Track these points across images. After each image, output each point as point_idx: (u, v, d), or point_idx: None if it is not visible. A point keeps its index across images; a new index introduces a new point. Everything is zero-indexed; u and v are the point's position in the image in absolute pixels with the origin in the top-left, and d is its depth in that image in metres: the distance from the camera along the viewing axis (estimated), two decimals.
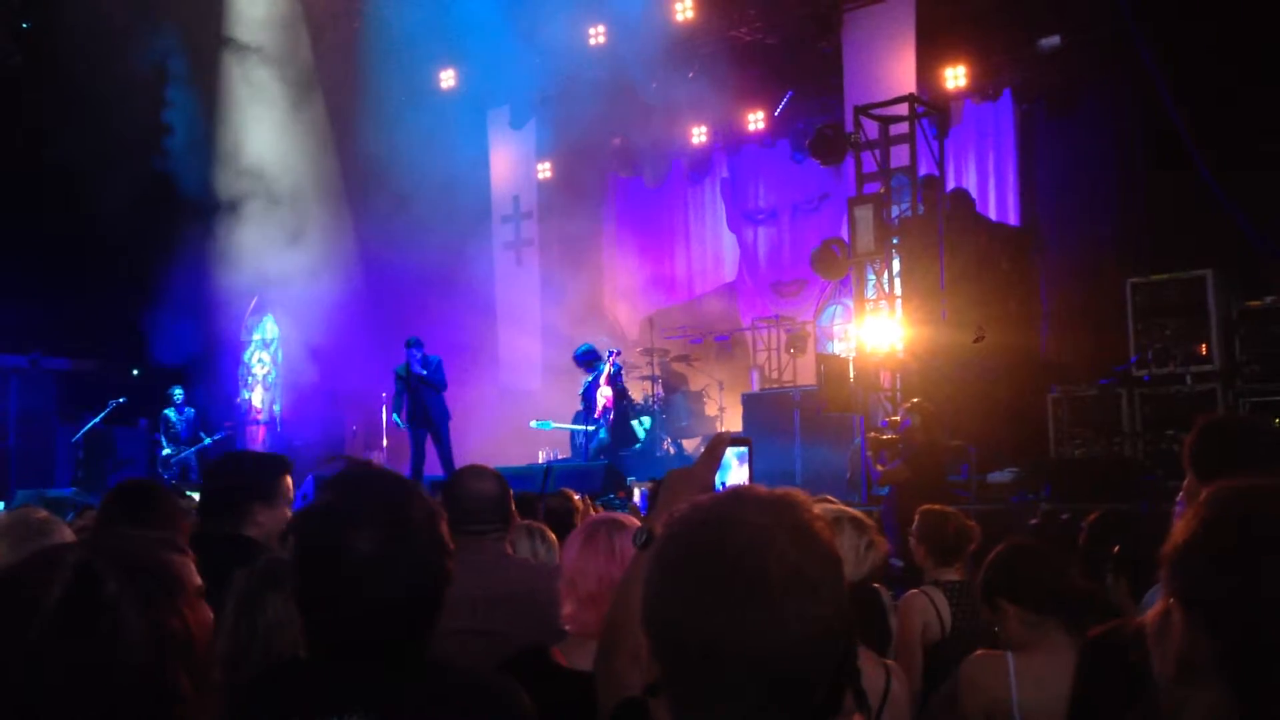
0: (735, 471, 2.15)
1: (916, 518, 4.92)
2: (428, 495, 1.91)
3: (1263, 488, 1.38)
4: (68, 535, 2.98)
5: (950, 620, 4.44)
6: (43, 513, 3.18)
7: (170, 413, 15.33)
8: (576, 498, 5.96)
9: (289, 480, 3.56)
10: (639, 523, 2.41)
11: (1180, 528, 1.41)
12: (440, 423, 12.52)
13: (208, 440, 15.31)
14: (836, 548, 1.29)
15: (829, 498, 4.75)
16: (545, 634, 2.76)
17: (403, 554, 1.76)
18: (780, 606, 1.21)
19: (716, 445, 2.01)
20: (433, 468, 12.67)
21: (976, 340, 11.00)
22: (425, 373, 12.38)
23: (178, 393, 15.38)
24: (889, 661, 2.83)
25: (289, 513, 3.47)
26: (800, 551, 1.24)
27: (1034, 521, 8.53)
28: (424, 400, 12.45)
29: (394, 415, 13.07)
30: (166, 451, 15.21)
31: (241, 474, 3.55)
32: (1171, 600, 1.37)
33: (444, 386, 12.57)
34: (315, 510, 1.84)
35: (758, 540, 1.24)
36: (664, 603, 1.26)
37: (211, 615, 1.28)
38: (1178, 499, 5.35)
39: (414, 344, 12.50)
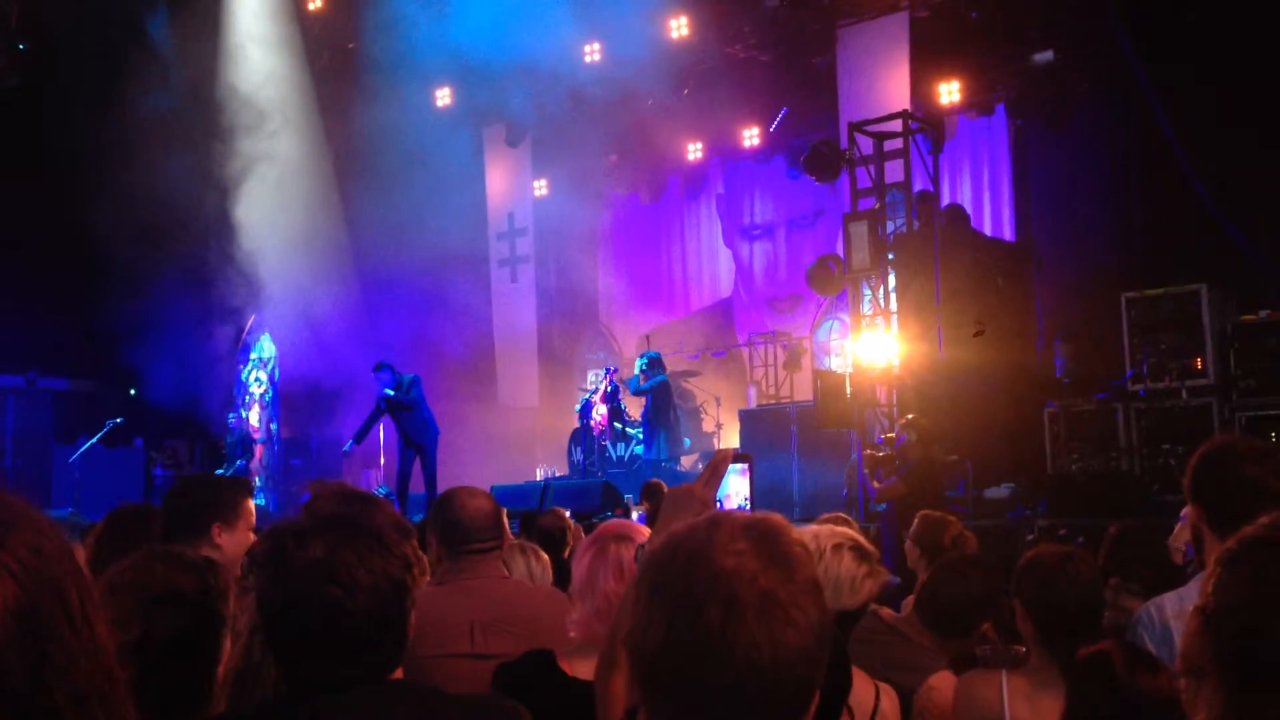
0: (735, 485, 2.17)
1: (915, 521, 4.92)
2: (395, 513, 1.91)
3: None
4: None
5: None
6: None
7: (226, 437, 15.60)
8: (567, 516, 5.96)
9: (250, 504, 3.53)
10: (648, 532, 2.41)
11: (1215, 573, 1.48)
12: (424, 441, 12.25)
13: (241, 462, 15.47)
14: (814, 572, 1.29)
15: (844, 516, 4.73)
16: None
17: (354, 560, 1.74)
18: (751, 632, 1.20)
19: (719, 463, 2.01)
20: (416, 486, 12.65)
21: (976, 334, 11.01)
22: (395, 393, 12.06)
23: (231, 417, 15.62)
24: (882, 684, 2.83)
25: (251, 537, 3.47)
26: (773, 577, 1.24)
27: (1031, 537, 8.55)
28: (402, 421, 12.25)
29: (351, 440, 12.78)
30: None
31: (202, 494, 3.50)
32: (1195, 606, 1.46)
33: (414, 405, 12.17)
34: (274, 526, 1.86)
35: (730, 566, 1.24)
36: (640, 628, 1.27)
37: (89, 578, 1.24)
38: (1181, 513, 5.36)
39: (380, 368, 12.19)
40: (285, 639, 1.78)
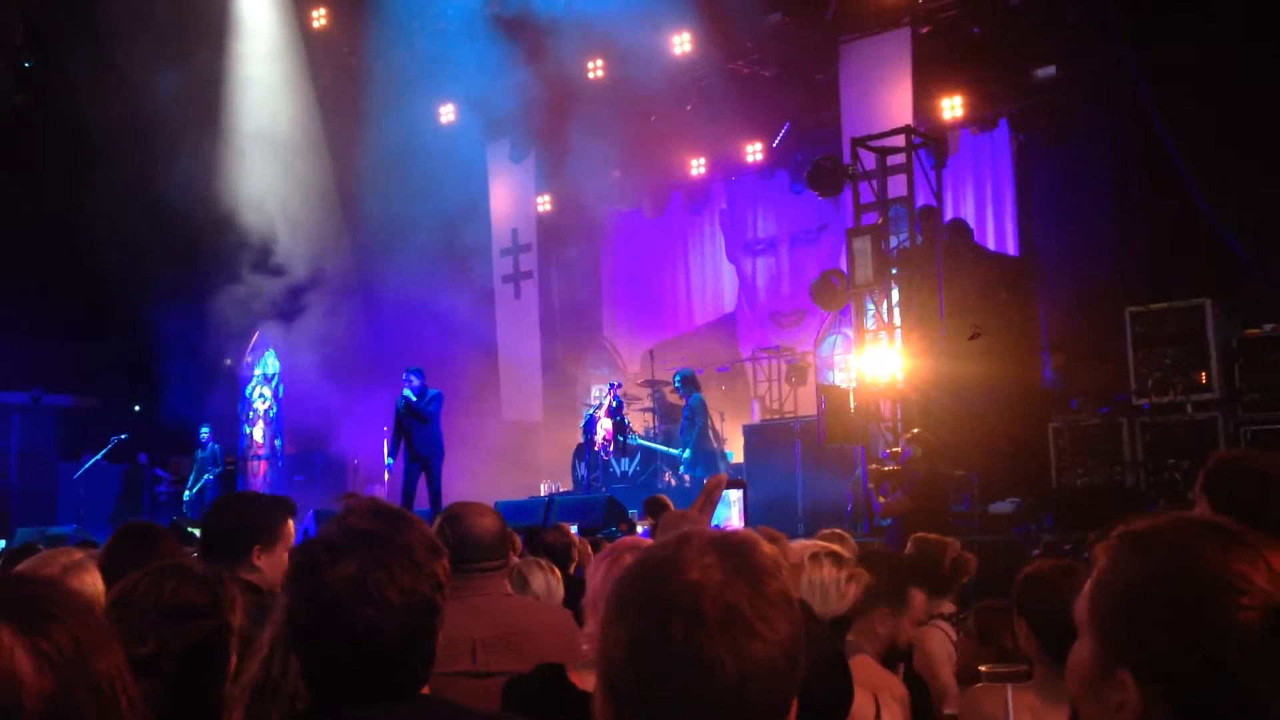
0: (732, 510, 2.17)
1: (910, 544, 4.85)
2: (427, 529, 1.89)
3: (1189, 531, 1.33)
4: (95, 578, 2.97)
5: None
6: (78, 554, 3.17)
7: (197, 451, 15.43)
8: (573, 532, 5.97)
9: (291, 525, 3.47)
10: None
11: (1108, 575, 1.35)
12: (431, 457, 12.24)
13: (208, 476, 15.28)
14: (785, 587, 1.27)
15: (840, 532, 4.71)
16: None
17: (386, 579, 1.74)
18: (715, 646, 1.19)
19: (714, 488, 2.01)
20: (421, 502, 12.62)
21: (972, 338, 10.99)
22: (415, 400, 12.10)
23: (204, 431, 15.47)
24: (882, 696, 2.83)
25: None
26: (739, 590, 1.22)
27: (1036, 552, 8.52)
28: (411, 433, 12.22)
29: (390, 453, 12.81)
30: (187, 495, 15.17)
31: (242, 515, 3.44)
32: (1117, 664, 1.31)
33: (429, 420, 12.20)
34: (307, 540, 1.85)
35: (694, 579, 1.22)
36: (607, 646, 1.26)
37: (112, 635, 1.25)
38: None
39: (411, 372, 12.25)
40: (315, 654, 1.78)
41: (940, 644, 4.40)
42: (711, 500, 1.99)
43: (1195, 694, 1.25)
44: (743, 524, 3.82)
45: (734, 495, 4.44)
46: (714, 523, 1.96)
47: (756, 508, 10.14)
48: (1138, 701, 1.28)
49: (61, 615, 1.16)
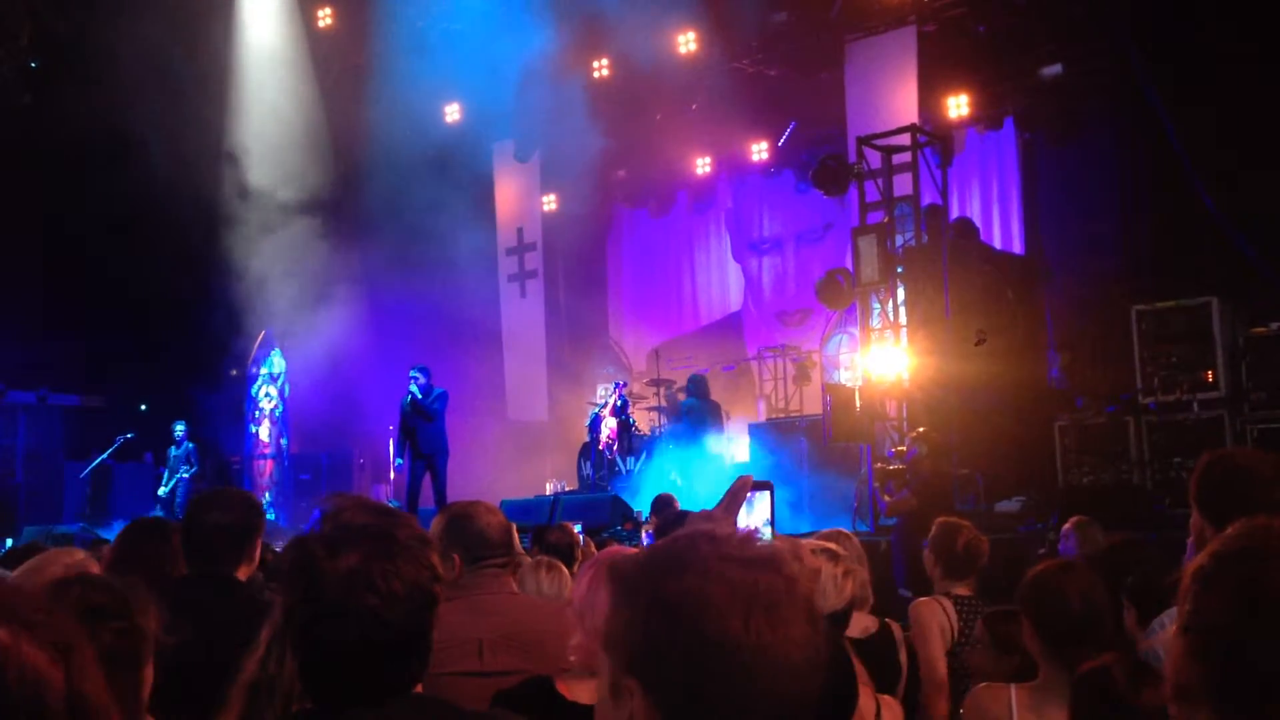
0: (757, 511, 2.18)
1: (934, 527, 4.93)
2: (416, 523, 1.89)
3: (1272, 526, 1.39)
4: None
5: (958, 630, 4.45)
6: (79, 554, 3.18)
7: (171, 449, 15.21)
8: (576, 531, 5.96)
9: None
10: None
11: (1195, 559, 1.43)
12: (435, 455, 12.23)
13: (185, 476, 14.99)
14: (809, 590, 1.26)
15: (842, 531, 4.75)
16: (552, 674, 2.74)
17: (392, 570, 1.74)
18: (735, 646, 1.18)
19: (739, 489, 1.99)
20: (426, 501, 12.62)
21: (977, 343, 10.98)
22: (421, 398, 12.10)
23: (179, 428, 15.26)
24: (884, 697, 2.84)
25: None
26: (759, 590, 1.21)
27: (1042, 551, 8.51)
28: (416, 431, 12.22)
29: (397, 455, 12.81)
30: (162, 491, 15.02)
31: (246, 512, 3.44)
32: (1175, 627, 1.40)
33: (433, 417, 12.18)
34: (300, 537, 1.84)
35: (714, 579, 1.22)
36: (619, 645, 1.26)
37: (146, 640, 1.24)
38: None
39: (417, 370, 12.24)
40: (316, 651, 1.76)
41: (933, 615, 4.49)
42: (736, 500, 1.98)
43: (1223, 654, 1.32)
44: (770, 528, 3.80)
45: (760, 497, 4.42)
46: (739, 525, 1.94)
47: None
48: (1183, 666, 1.36)
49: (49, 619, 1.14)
